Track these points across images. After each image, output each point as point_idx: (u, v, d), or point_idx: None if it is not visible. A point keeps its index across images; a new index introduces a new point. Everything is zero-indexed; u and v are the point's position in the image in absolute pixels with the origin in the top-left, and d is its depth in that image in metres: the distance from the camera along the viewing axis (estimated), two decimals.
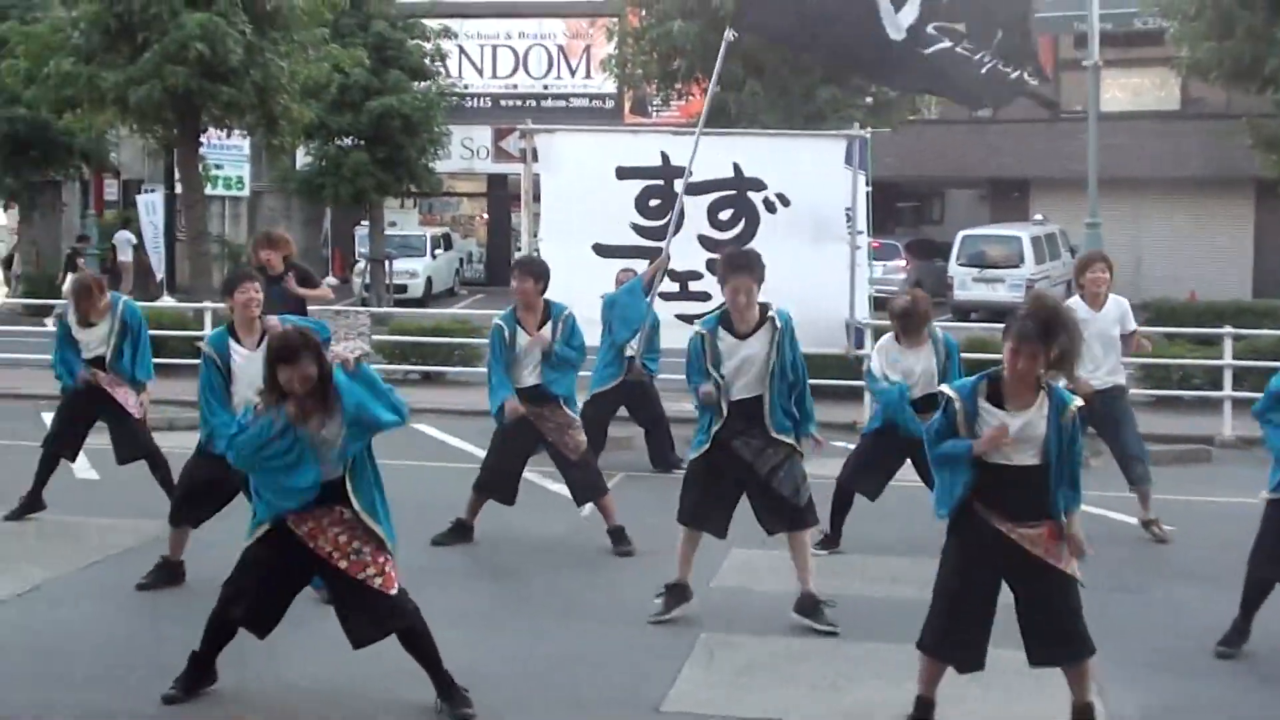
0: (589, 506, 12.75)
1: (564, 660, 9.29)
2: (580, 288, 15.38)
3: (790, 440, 10.02)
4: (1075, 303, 13.02)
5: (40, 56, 25.75)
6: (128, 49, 24.62)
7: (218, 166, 38.51)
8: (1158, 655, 9.59)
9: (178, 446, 13.07)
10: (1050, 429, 7.50)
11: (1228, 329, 20.07)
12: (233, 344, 10.40)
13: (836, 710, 8.46)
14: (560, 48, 46.16)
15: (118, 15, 24.28)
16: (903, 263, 38.31)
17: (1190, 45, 28.38)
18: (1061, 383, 7.75)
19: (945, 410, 7.72)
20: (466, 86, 43.38)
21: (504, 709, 8.34)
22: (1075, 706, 7.81)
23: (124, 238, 39.05)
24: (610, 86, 41.99)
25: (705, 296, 17.54)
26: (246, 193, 45.18)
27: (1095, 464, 13.90)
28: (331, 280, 43.39)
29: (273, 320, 10.37)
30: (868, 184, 18.49)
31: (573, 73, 46.10)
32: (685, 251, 17.54)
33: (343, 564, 7.92)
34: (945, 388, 7.96)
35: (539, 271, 12.37)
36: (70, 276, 12.87)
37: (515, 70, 46.36)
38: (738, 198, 17.79)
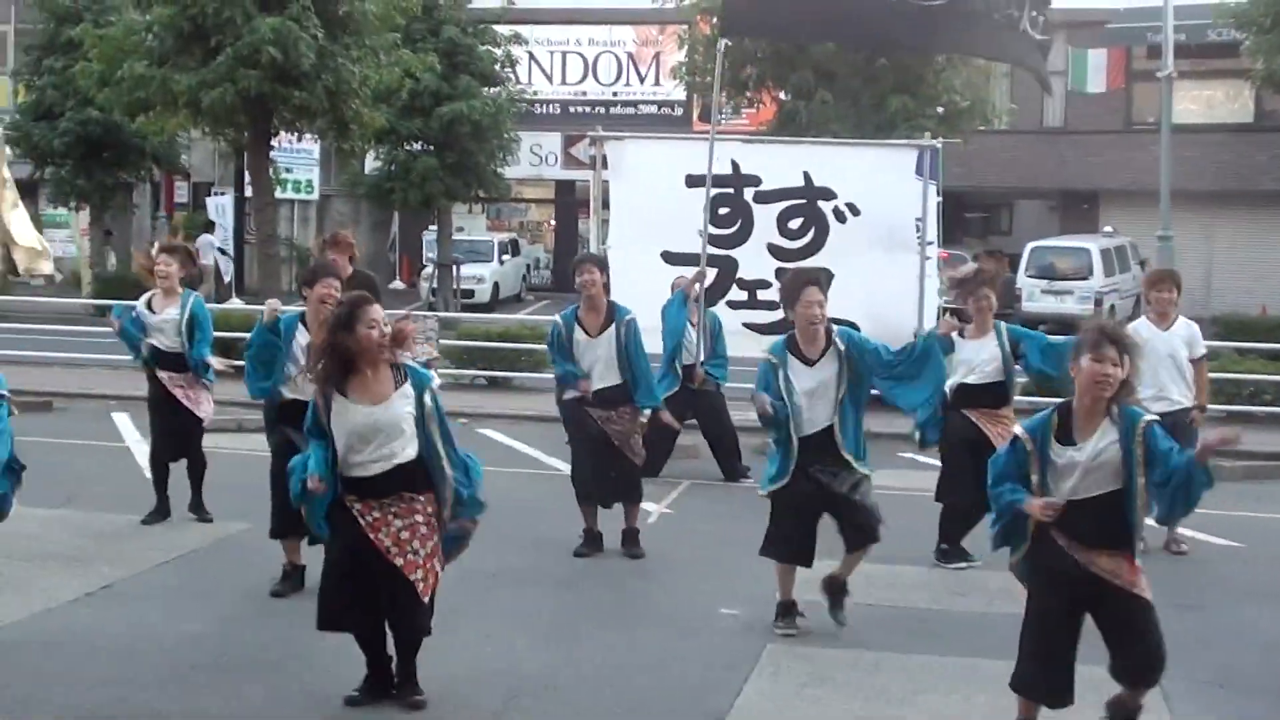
0: (655, 513, 12.73)
1: (628, 668, 9.26)
2: (647, 295, 15.36)
3: (865, 469, 9.97)
4: (1141, 323, 12.89)
5: (114, 59, 26.00)
6: (201, 52, 24.82)
7: (288, 170, 38.75)
8: (1223, 672, 9.49)
9: (246, 449, 13.19)
10: (1125, 453, 7.26)
11: None
12: (300, 328, 10.43)
13: None
14: (630, 55, 46.16)
15: (191, 19, 24.49)
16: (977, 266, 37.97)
17: (1265, 57, 28.12)
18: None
19: (1013, 447, 7.54)
20: (536, 93, 43.46)
21: (569, 716, 8.33)
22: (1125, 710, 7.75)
23: (207, 241, 39.30)
24: (679, 94, 41.98)
25: (773, 306, 17.41)
26: (315, 196, 45.43)
27: None
28: (397, 284, 43.71)
29: (274, 302, 10.61)
30: (938, 194, 18.40)
31: (642, 80, 46.10)
32: (754, 260, 17.52)
33: (398, 561, 7.94)
34: (1017, 428, 7.69)
35: (603, 263, 12.41)
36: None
37: (584, 77, 46.40)
38: (807, 207, 17.71)
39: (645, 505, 13.18)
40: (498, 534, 12.24)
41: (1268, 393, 20.11)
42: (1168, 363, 12.61)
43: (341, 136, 27.45)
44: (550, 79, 46.17)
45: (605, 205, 18.34)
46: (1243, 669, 9.58)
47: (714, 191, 17.61)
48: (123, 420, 19.09)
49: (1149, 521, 7.69)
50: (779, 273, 17.45)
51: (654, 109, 45.50)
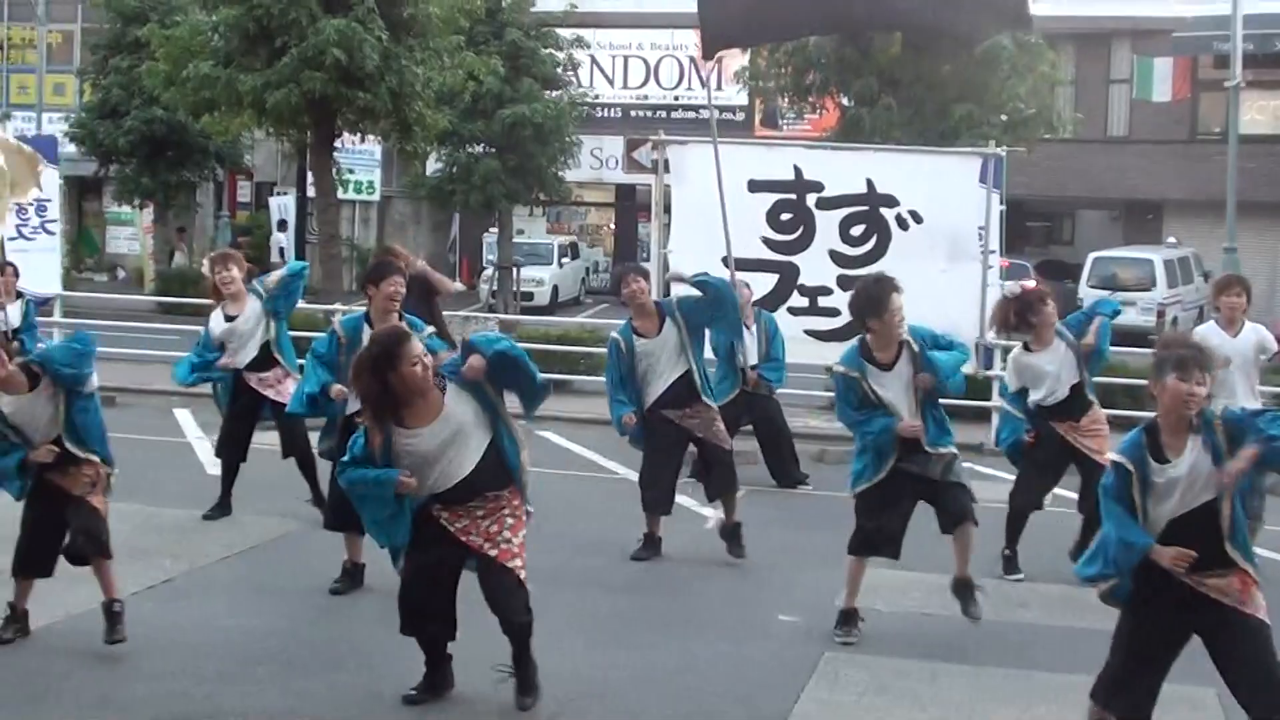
0: (713, 520, 12.70)
1: (684, 673, 9.24)
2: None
3: (949, 449, 9.95)
4: (1209, 329, 12.80)
5: (180, 59, 26.20)
6: (266, 53, 24.97)
7: (350, 171, 38.96)
8: None
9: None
10: (1213, 453, 7.04)
11: None
12: (366, 328, 10.43)
13: None
14: (692, 59, 46.07)
15: (257, 20, 24.63)
16: (1032, 283, 37.79)
17: None
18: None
19: (1116, 472, 7.27)
20: (597, 96, 43.53)
21: None
22: None
23: (281, 240, 39.56)
24: (741, 99, 41.89)
25: (834, 312, 17.43)
26: (377, 197, 45.65)
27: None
28: (457, 285, 43.82)
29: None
30: (1001, 203, 18.32)
31: (704, 84, 46.04)
32: (816, 267, 17.48)
33: (493, 552, 7.98)
34: (1114, 455, 7.42)
35: (645, 271, 12.45)
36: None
37: (646, 81, 46.43)
38: (870, 213, 17.64)
39: (703, 511, 13.17)
40: (555, 536, 12.30)
41: None
42: (1239, 368, 12.50)
43: (404, 138, 27.56)
44: (611, 82, 46.22)
45: (667, 210, 18.33)
46: None
47: (776, 197, 17.61)
48: (184, 416, 19.23)
49: None
50: (841, 279, 17.43)
51: (715, 113, 45.42)
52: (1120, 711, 7.42)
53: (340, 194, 33.91)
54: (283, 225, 40.46)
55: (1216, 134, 36.58)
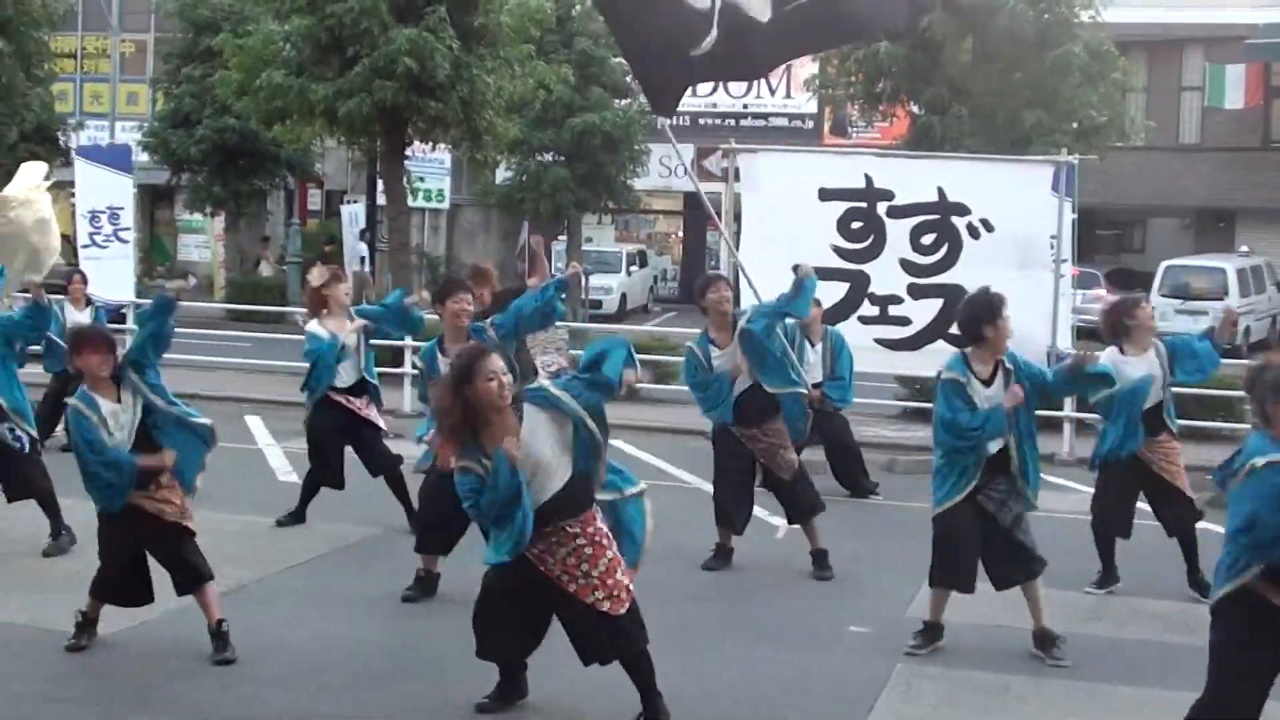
0: (783, 529, 12.65)
1: (756, 683, 9.22)
2: None
3: (1033, 496, 9.83)
4: None
5: (253, 69, 26.35)
6: (338, 62, 25.09)
7: (420, 179, 39.06)
8: None
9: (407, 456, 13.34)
10: None
11: None
12: (440, 359, 10.47)
13: None
14: None
15: (329, 29, 24.74)
16: (1103, 292, 37.60)
17: None
18: None
19: None
20: None
21: None
22: None
23: (361, 249, 39.74)
24: (810, 106, 41.86)
25: (905, 321, 17.37)
26: (446, 205, 45.79)
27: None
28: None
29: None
30: (1073, 211, 18.19)
31: (773, 92, 46.00)
32: (887, 275, 17.39)
33: (571, 588, 7.89)
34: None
35: (730, 281, 12.41)
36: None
37: (715, 89, 46.37)
38: (941, 222, 17.54)
39: (774, 520, 13.14)
40: None
41: None
42: None
43: (475, 147, 27.62)
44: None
45: (737, 218, 18.31)
46: None
47: (847, 205, 17.54)
48: (255, 423, 19.35)
49: None
50: (912, 288, 17.36)
51: (784, 121, 45.40)
52: None
53: (410, 202, 34.01)
54: (364, 234, 40.69)
55: None
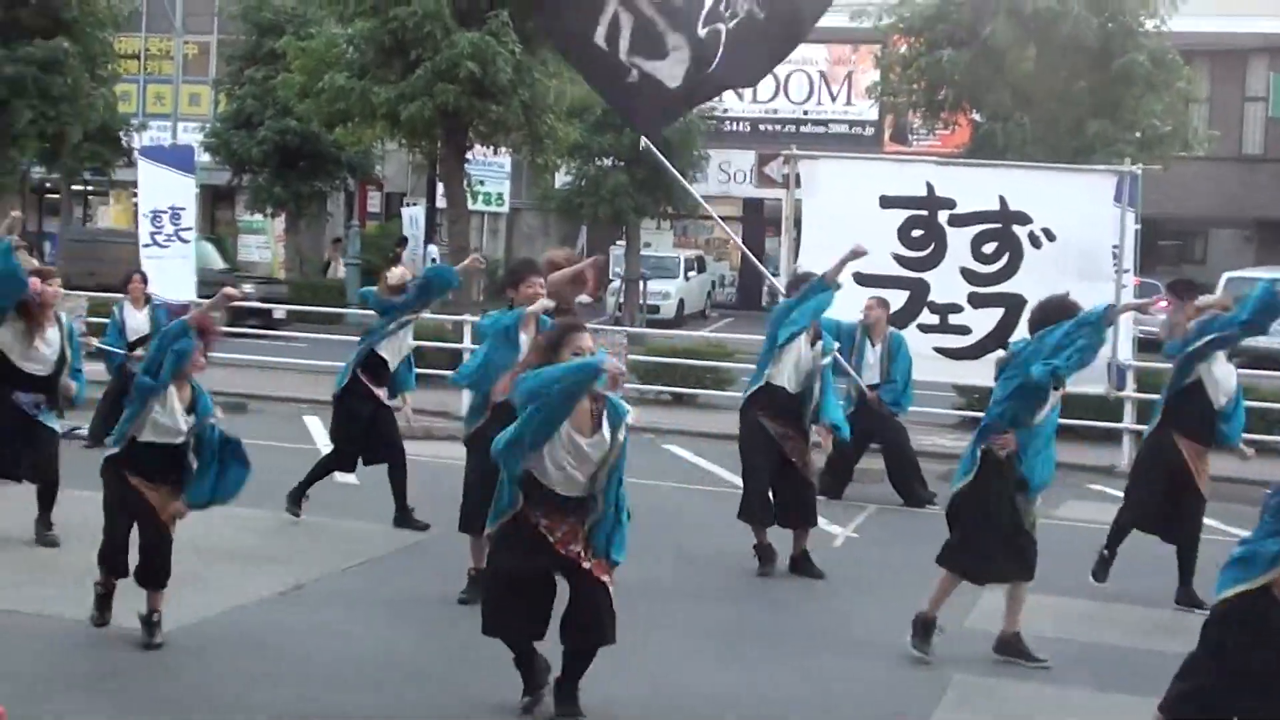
0: (841, 537, 12.61)
1: (810, 692, 9.18)
2: (836, 315, 15.29)
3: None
4: None
5: (315, 71, 26.49)
6: (400, 66, 25.17)
7: (480, 182, 39.21)
8: None
9: (433, 456, 13.34)
10: None
11: None
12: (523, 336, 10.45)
13: None
14: (822, 73, 46.00)
15: (392, 32, 24.84)
16: (1163, 303, 37.27)
17: None
18: None
19: None
20: (726, 110, 43.49)
21: None
22: None
23: (432, 251, 39.97)
24: (871, 114, 41.73)
25: (965, 330, 17.30)
26: (506, 209, 45.89)
27: None
28: (583, 298, 43.93)
29: None
30: (1136, 222, 18.07)
31: (833, 99, 45.93)
32: (947, 284, 17.33)
33: (587, 564, 7.94)
34: None
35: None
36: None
37: (775, 95, 46.32)
38: (1002, 231, 17.46)
39: (831, 528, 13.10)
40: (679, 550, 12.32)
41: None
42: None
43: (536, 150, 27.70)
44: (741, 96, 46.10)
45: (797, 224, 18.26)
46: None
47: (908, 213, 17.47)
48: (314, 423, 19.41)
49: None
50: (972, 297, 17.28)
51: (845, 128, 45.31)
52: None
53: (470, 205, 34.16)
54: (431, 236, 40.93)
55: None
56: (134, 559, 9.29)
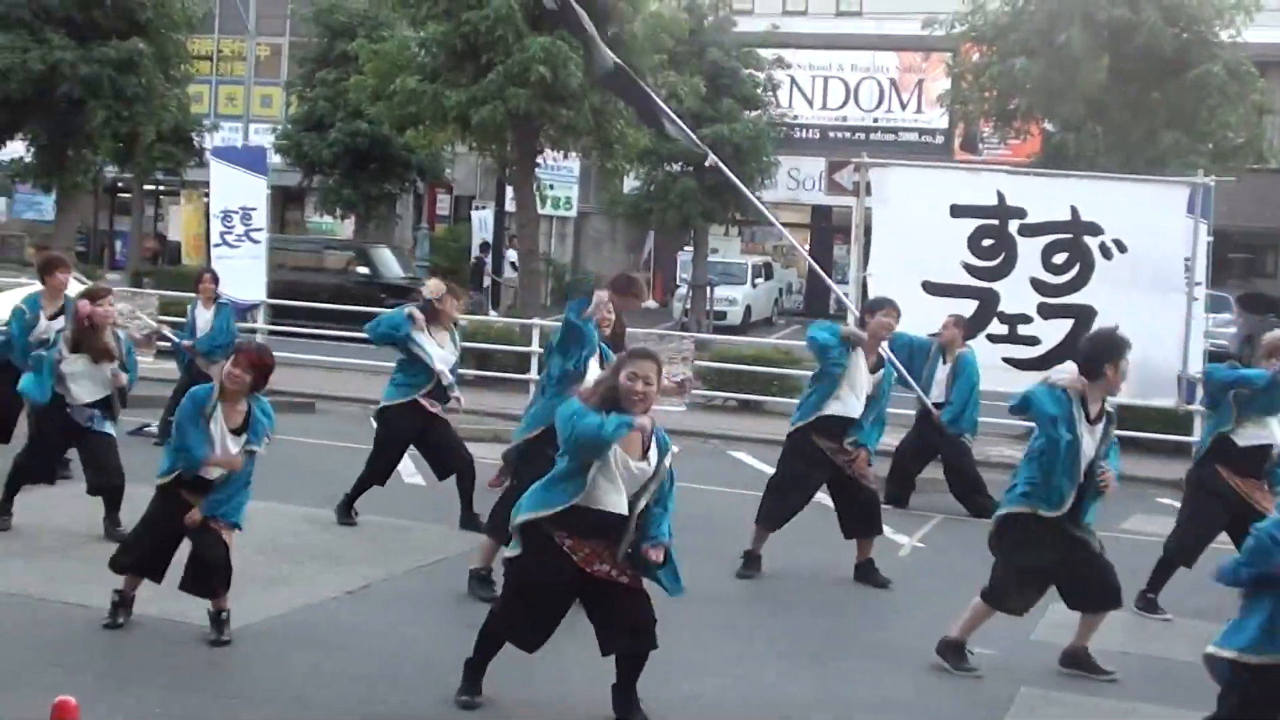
0: (908, 546, 12.58)
1: (874, 701, 9.16)
2: (906, 326, 15.24)
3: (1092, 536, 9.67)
4: None
5: (387, 74, 26.58)
6: (472, 69, 25.22)
7: (550, 186, 39.31)
8: None
9: (495, 459, 13.38)
10: None
11: None
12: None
13: None
14: (892, 81, 45.90)
15: (464, 36, 24.88)
16: (1233, 316, 36.99)
17: None
18: None
19: None
20: (796, 117, 43.47)
21: None
22: None
23: (510, 255, 40.16)
24: (941, 122, 41.55)
25: (1034, 341, 17.23)
26: (574, 213, 45.98)
27: None
28: (650, 304, 44.02)
29: None
30: (1209, 233, 17.94)
31: (903, 106, 45.82)
32: (1016, 294, 17.26)
33: (623, 579, 7.95)
34: None
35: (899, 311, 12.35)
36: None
37: (845, 102, 46.26)
38: (1073, 241, 17.39)
39: (897, 537, 13.05)
40: (738, 556, 12.25)
41: None
42: None
43: (605, 156, 27.70)
44: (811, 103, 46.13)
45: (866, 232, 18.22)
46: None
47: (978, 222, 17.41)
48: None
49: None
50: (1042, 308, 17.20)
51: (914, 136, 45.19)
52: None
53: (539, 209, 34.29)
54: (513, 239, 41.17)
55: None
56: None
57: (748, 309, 41.86)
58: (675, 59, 31.91)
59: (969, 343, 15.91)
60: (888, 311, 12.08)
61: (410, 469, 15.61)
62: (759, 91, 38.09)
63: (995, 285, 17.38)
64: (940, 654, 9.81)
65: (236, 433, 9.18)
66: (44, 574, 10.64)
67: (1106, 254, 17.42)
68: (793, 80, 43.71)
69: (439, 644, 9.67)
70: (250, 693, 8.44)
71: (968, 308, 16.96)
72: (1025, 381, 17.47)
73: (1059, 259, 17.43)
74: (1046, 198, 17.66)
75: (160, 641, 9.26)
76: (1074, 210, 17.44)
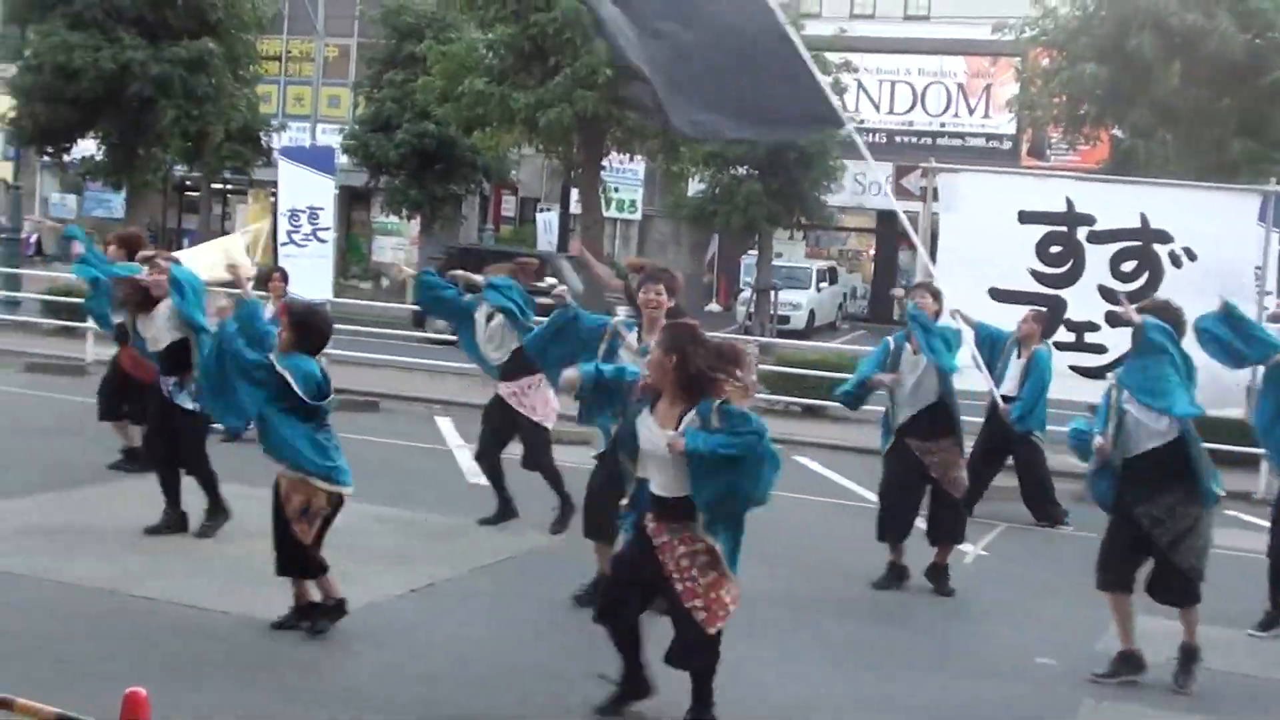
0: (971, 554, 12.53)
1: (938, 710, 9.10)
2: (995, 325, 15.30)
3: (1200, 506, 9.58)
4: None
5: (455, 75, 26.73)
6: (539, 71, 25.34)
7: (615, 189, 39.38)
8: None
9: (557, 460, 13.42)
10: None
11: None
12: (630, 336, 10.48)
13: None
14: (960, 86, 45.72)
15: (532, 38, 25.00)
16: None
17: None
18: None
19: None
20: (863, 121, 43.34)
21: None
22: None
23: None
24: (1009, 127, 41.33)
25: (1101, 349, 17.07)
26: (638, 216, 46.00)
27: None
28: (714, 307, 44.01)
29: None
30: None
31: (971, 112, 45.61)
32: (1084, 301, 17.11)
33: (678, 587, 7.89)
34: None
35: (938, 291, 12.48)
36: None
37: (913, 107, 46.09)
38: (1142, 249, 17.22)
39: (962, 545, 12.98)
40: (808, 562, 12.28)
41: None
42: None
43: (671, 158, 27.76)
44: (878, 108, 45.98)
45: (932, 237, 18.15)
46: None
47: (1046, 229, 17.30)
48: (445, 425, 19.58)
49: None
50: (1109, 316, 17.05)
51: (981, 141, 44.99)
52: None
53: (603, 212, 34.34)
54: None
55: None
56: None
57: (811, 313, 41.77)
58: None
59: (1046, 340, 15.82)
60: (920, 293, 12.21)
61: (474, 470, 15.66)
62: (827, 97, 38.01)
63: (1062, 292, 17.24)
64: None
65: None
66: (112, 567, 10.73)
67: (1176, 262, 17.24)
68: (859, 84, 43.53)
69: (502, 644, 9.71)
70: (314, 689, 8.48)
71: (1037, 309, 16.85)
72: (1091, 389, 17.52)
73: (1128, 267, 17.26)
74: (1116, 205, 17.50)
75: (226, 636, 9.33)
76: (1143, 218, 17.28)
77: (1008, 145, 44.06)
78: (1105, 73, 28.28)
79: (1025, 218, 17.28)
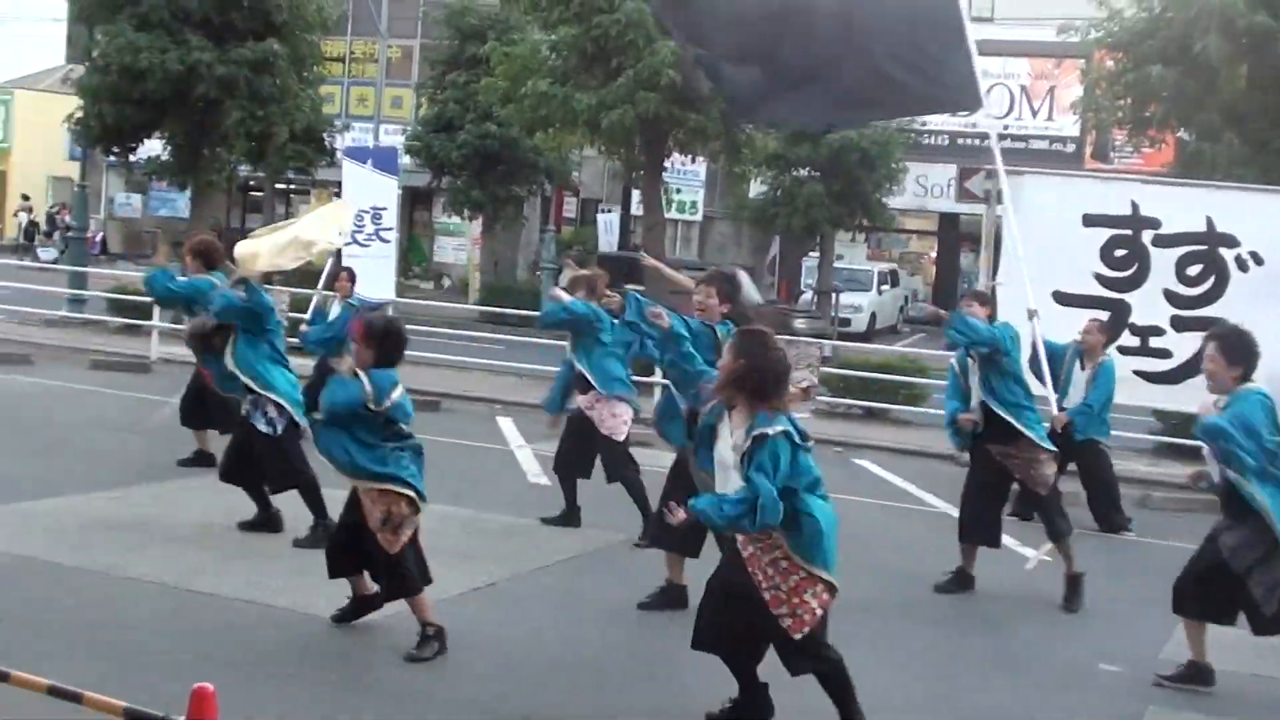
0: (1033, 560, 12.46)
1: (1002, 715, 9.07)
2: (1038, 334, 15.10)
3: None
4: None
5: (518, 77, 26.79)
6: (602, 73, 25.37)
7: (676, 190, 39.40)
8: None
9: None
10: None
11: None
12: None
13: None
14: (1023, 88, 45.49)
15: (595, 40, 25.03)
16: None
17: None
18: None
19: None
20: (925, 124, 43.17)
21: None
22: None
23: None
24: (1073, 129, 41.07)
25: (1166, 354, 16.96)
26: (699, 217, 45.98)
27: None
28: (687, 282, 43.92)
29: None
30: None
31: (1034, 114, 45.38)
32: (1149, 305, 17.00)
33: (766, 595, 7.83)
34: None
35: (984, 296, 12.55)
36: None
37: None
38: (1208, 253, 17.09)
39: (1023, 550, 12.93)
40: (868, 566, 12.21)
41: None
42: None
43: (733, 160, 27.75)
44: None
45: (995, 240, 18.05)
46: None
47: (1111, 232, 17.18)
48: (506, 425, 19.63)
49: None
50: (1175, 320, 16.94)
51: (1045, 144, 44.75)
52: None
53: (664, 213, 34.35)
54: (637, 248, 41.34)
55: None
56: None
57: (872, 316, 41.66)
58: None
59: (1107, 350, 15.71)
60: (968, 301, 12.24)
61: (535, 470, 15.72)
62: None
63: (1127, 296, 17.13)
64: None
65: None
66: (179, 563, 10.81)
67: (1243, 266, 17.09)
68: None
69: (563, 644, 9.72)
70: (376, 685, 8.51)
71: (1099, 319, 16.74)
72: (1155, 395, 17.39)
73: (1193, 271, 17.14)
74: (1181, 208, 17.37)
75: (289, 632, 9.38)
76: (1209, 221, 17.15)
77: (1071, 148, 43.81)
78: (1171, 75, 28.01)
79: (1089, 221, 17.18)
